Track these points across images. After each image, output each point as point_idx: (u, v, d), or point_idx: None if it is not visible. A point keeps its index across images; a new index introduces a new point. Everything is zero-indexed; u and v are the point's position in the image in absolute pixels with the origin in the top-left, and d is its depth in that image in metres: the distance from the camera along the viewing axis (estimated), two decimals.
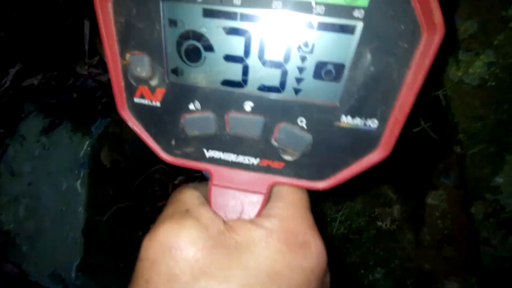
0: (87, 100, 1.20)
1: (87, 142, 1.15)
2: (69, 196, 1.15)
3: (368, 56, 0.21)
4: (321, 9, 0.20)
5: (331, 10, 0.20)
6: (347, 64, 0.22)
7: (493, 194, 0.65)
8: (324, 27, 0.21)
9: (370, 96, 0.22)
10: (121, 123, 1.18)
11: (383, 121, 0.22)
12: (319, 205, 1.15)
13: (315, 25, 0.21)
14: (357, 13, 0.20)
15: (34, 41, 1.25)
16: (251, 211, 0.26)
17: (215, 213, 0.25)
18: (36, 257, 1.12)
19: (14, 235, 1.12)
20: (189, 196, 0.26)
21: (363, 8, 0.19)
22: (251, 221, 0.24)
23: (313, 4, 0.20)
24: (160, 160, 0.28)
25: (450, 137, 0.67)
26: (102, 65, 1.24)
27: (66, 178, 1.15)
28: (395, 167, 1.07)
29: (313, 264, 0.23)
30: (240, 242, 0.22)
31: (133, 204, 1.21)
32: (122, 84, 0.24)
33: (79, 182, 1.15)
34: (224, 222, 0.24)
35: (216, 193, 0.27)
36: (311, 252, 0.23)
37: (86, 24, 1.26)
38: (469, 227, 0.76)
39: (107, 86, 1.20)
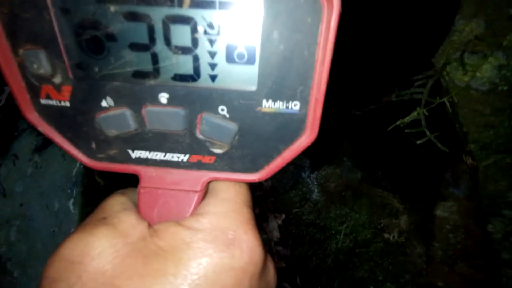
0: None
1: None
2: (61, 216, 1.15)
3: (276, 34, 0.19)
4: None
5: None
6: (257, 45, 0.20)
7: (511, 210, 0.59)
8: (226, 5, 0.19)
9: (286, 77, 0.20)
10: None
11: (304, 102, 0.21)
12: (322, 218, 1.10)
13: (217, 4, 0.19)
14: None
15: None
16: (185, 211, 0.24)
17: (138, 218, 0.23)
18: (28, 282, 1.11)
19: (6, 259, 1.12)
20: (111, 202, 0.24)
21: None
22: (177, 223, 0.22)
23: None
24: None
25: (459, 147, 0.62)
26: None
27: (59, 197, 1.15)
28: (399, 175, 1.02)
29: (243, 263, 0.21)
30: (161, 247, 0.21)
31: None
32: (23, 84, 0.22)
33: (71, 201, 1.15)
34: (149, 227, 0.22)
35: (145, 196, 0.25)
36: (242, 250, 0.21)
37: None
38: (486, 245, 0.69)
39: None
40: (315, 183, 1.09)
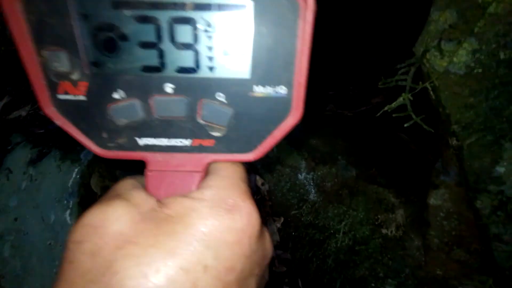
0: None
1: (76, 170, 1.17)
2: (57, 229, 1.16)
3: (264, 30, 0.24)
4: None
5: None
6: (249, 39, 0.25)
7: (496, 185, 0.64)
8: (222, 7, 0.24)
9: (274, 65, 0.25)
10: None
11: (289, 86, 0.25)
12: (320, 218, 1.14)
13: (214, 7, 0.24)
14: None
15: (22, 74, 1.34)
16: (189, 189, 0.28)
17: (148, 194, 0.27)
18: None
19: (0, 277, 1.13)
20: (122, 183, 0.29)
21: None
22: (182, 195, 0.26)
23: None
24: None
25: (444, 129, 0.67)
26: None
27: (55, 209, 1.17)
28: (393, 170, 1.07)
29: (242, 224, 0.25)
30: (170, 215, 0.24)
31: None
32: (43, 81, 0.27)
33: (68, 212, 1.16)
34: (158, 201, 0.26)
35: (152, 178, 0.29)
36: (241, 214, 0.25)
37: None
38: (477, 224, 0.74)
39: None
40: (312, 183, 1.13)
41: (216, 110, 0.27)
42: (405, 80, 0.64)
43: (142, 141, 0.29)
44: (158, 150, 0.29)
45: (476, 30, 0.50)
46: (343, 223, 1.06)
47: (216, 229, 0.24)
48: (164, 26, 0.25)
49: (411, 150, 1.09)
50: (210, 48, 0.26)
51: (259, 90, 0.26)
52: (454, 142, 0.62)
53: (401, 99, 0.63)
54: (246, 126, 0.28)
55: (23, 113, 1.31)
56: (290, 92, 0.26)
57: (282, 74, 0.25)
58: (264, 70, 0.25)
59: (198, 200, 0.25)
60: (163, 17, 0.25)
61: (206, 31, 0.25)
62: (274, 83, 0.25)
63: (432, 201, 0.79)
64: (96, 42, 0.26)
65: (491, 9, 0.47)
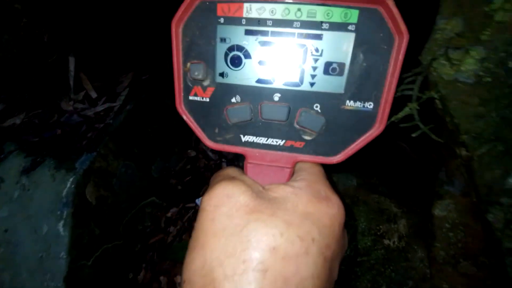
0: (71, 136, 1.28)
1: (71, 179, 1.18)
2: (50, 240, 1.15)
3: (361, 56, 0.34)
4: (326, 25, 0.33)
5: (333, 26, 0.33)
6: (347, 63, 0.34)
7: (509, 197, 0.63)
8: (329, 37, 0.34)
9: (365, 85, 0.34)
10: (107, 157, 1.25)
11: (377, 103, 0.34)
12: None
13: (323, 36, 0.34)
14: (351, 27, 0.33)
15: (17, 81, 1.35)
16: (281, 180, 0.36)
17: (253, 180, 0.35)
18: None
19: None
20: (231, 169, 0.36)
21: (354, 24, 0.33)
22: (282, 183, 0.34)
23: (321, 23, 0.33)
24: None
25: (451, 142, 0.66)
26: (88, 100, 1.34)
27: (47, 220, 1.16)
28: (394, 180, 1.15)
29: (335, 212, 0.32)
30: (276, 197, 0.32)
31: (122, 243, 1.24)
32: (181, 85, 0.35)
33: (61, 223, 1.16)
34: (262, 186, 0.34)
35: (251, 169, 0.37)
36: (333, 203, 0.33)
37: (71, 61, 1.39)
38: (487, 237, 0.74)
39: (93, 120, 1.30)
40: None
41: (311, 118, 0.36)
42: (412, 89, 0.63)
43: (245, 138, 0.38)
44: (256, 147, 0.38)
45: (483, 38, 0.51)
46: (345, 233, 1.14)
47: (316, 211, 0.31)
48: (281, 49, 0.35)
49: (412, 159, 1.19)
50: (314, 68, 0.35)
51: (350, 104, 0.35)
52: (463, 152, 0.62)
53: (407, 109, 0.64)
54: (334, 133, 0.36)
55: (18, 121, 1.32)
56: (376, 108, 0.34)
57: (372, 92, 0.34)
58: (357, 88, 0.34)
59: (297, 188, 0.33)
60: (281, 43, 0.35)
61: (313, 54, 0.35)
62: (363, 99, 0.34)
63: (437, 211, 0.83)
64: (226, 59, 0.35)
65: (498, 17, 0.50)
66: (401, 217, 1.03)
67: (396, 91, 0.34)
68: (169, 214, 1.29)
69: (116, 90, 1.27)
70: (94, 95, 1.27)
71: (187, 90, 0.36)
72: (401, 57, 0.32)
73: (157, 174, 1.35)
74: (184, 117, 0.37)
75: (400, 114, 0.65)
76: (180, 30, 0.33)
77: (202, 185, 1.42)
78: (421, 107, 0.64)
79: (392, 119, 0.65)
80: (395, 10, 0.31)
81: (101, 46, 1.47)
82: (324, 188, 0.34)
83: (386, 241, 1.04)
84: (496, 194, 0.64)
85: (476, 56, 0.53)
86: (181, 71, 0.35)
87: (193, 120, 0.37)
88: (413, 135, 0.67)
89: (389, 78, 0.33)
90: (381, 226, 1.05)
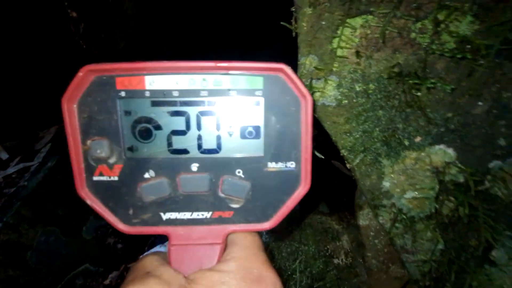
0: None
1: None
2: None
3: (273, 118, 0.34)
4: (234, 92, 0.34)
5: (241, 92, 0.34)
6: (262, 126, 0.34)
7: (387, 198, 0.74)
8: (239, 102, 0.34)
9: (283, 145, 0.35)
10: (19, 226, 1.08)
11: (298, 162, 0.35)
12: (276, 259, 1.19)
13: (233, 102, 0.34)
14: (258, 93, 0.34)
15: None
16: (211, 262, 0.33)
17: (175, 270, 0.31)
18: None
19: None
20: (148, 259, 0.32)
21: (261, 90, 0.34)
22: (209, 269, 0.31)
23: (230, 91, 0.33)
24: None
25: (340, 155, 0.76)
26: None
27: None
28: (332, 197, 1.20)
29: None
30: None
31: None
32: (82, 166, 0.31)
33: None
34: (185, 277, 0.30)
35: (175, 252, 0.33)
36: (267, 283, 0.31)
37: None
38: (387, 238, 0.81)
39: (1, 186, 1.13)
40: None
41: (236, 184, 0.35)
42: None
43: (166, 216, 0.35)
44: (180, 223, 0.35)
45: (334, 69, 0.66)
46: (297, 260, 1.12)
47: None
48: (193, 118, 0.34)
49: (344, 175, 1.26)
50: (230, 133, 0.35)
51: (272, 165, 0.35)
52: (348, 165, 0.73)
53: None
54: (262, 197, 0.35)
55: None
56: (298, 166, 0.35)
57: (291, 152, 0.34)
58: (276, 149, 0.34)
59: (224, 273, 0.30)
60: (192, 111, 0.34)
61: (227, 121, 0.34)
62: (284, 159, 0.35)
63: (361, 221, 0.88)
64: (134, 132, 0.32)
65: (339, 53, 0.64)
66: (343, 233, 1.08)
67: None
68: (107, 281, 1.14)
69: (34, 147, 1.15)
70: (4, 156, 1.13)
71: (90, 171, 0.32)
72: (309, 116, 0.33)
73: (90, 235, 1.21)
74: (89, 202, 0.32)
75: None
76: (75, 107, 0.30)
77: (148, 237, 1.30)
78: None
79: None
80: (294, 76, 0.32)
81: (18, 99, 1.34)
82: (257, 265, 0.32)
83: (335, 260, 1.06)
84: (378, 198, 0.75)
85: (333, 84, 0.68)
86: (80, 150, 0.31)
87: (100, 204, 0.33)
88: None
89: (303, 137, 0.34)
90: (328, 246, 1.08)
